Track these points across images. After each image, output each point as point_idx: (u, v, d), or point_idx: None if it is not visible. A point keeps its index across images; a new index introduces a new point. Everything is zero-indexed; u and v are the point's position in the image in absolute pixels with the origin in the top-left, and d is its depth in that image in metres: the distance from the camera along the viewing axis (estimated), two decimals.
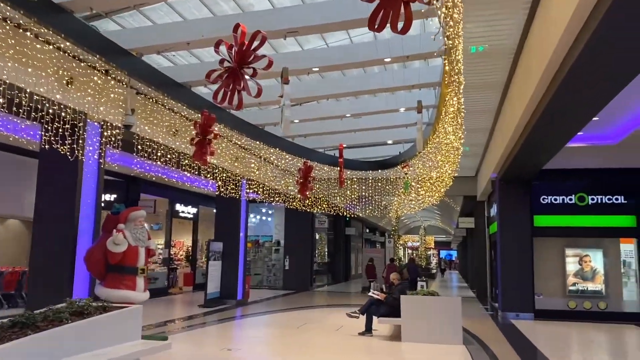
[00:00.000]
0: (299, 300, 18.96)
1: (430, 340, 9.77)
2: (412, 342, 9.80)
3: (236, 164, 15.07)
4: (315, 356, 8.77)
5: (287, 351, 9.15)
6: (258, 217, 26.57)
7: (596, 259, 14.40)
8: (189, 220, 21.83)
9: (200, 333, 10.93)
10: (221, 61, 6.23)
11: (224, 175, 14.33)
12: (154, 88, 10.34)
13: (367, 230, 43.44)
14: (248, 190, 16.87)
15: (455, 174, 14.80)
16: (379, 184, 19.52)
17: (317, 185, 18.88)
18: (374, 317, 10.60)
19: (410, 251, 67.13)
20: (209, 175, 13.59)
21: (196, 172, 12.71)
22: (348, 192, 19.65)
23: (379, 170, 18.99)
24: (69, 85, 8.39)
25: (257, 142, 14.76)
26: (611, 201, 14.40)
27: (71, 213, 8.81)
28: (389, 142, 18.37)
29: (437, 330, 9.86)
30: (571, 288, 14.35)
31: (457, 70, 8.38)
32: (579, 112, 8.77)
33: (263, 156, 15.86)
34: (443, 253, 75.48)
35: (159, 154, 10.86)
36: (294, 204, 17.75)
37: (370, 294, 10.91)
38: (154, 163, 11.49)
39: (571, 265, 14.47)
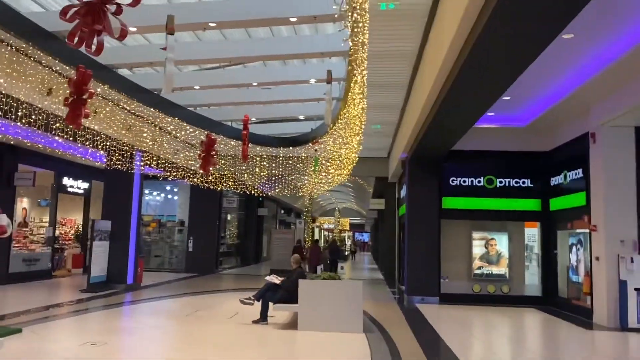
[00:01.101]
0: (200, 284, 17.67)
1: (328, 328, 8.95)
2: (308, 331, 8.94)
3: (127, 132, 13.45)
4: (194, 350, 7.67)
5: (163, 345, 7.97)
6: (162, 195, 24.80)
7: (501, 243, 14.30)
8: (80, 196, 19.74)
9: (67, 323, 9.47)
10: None
11: (109, 144, 12.70)
12: (13, 34, 8.60)
13: (282, 212, 42.56)
14: (144, 164, 15.26)
15: (360, 148, 14.08)
16: (290, 162, 18.53)
17: (223, 161, 17.57)
18: (270, 304, 9.65)
19: (326, 233, 67.30)
20: (88, 143, 11.93)
21: (70, 138, 11.03)
22: (257, 169, 18.50)
23: (290, 148, 17.98)
24: None
25: (152, 110, 13.23)
26: (518, 184, 14.31)
27: None
28: (301, 117, 17.37)
29: (336, 318, 9.06)
30: (476, 271, 14.17)
31: (361, 34, 7.50)
32: (484, 90, 8.21)
33: (159, 125, 14.31)
34: (358, 235, 76.45)
35: (19, 113, 9.14)
36: (195, 180, 16.34)
37: (266, 278, 9.91)
38: (17, 124, 9.75)
39: (477, 249, 14.28)
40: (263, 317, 9.65)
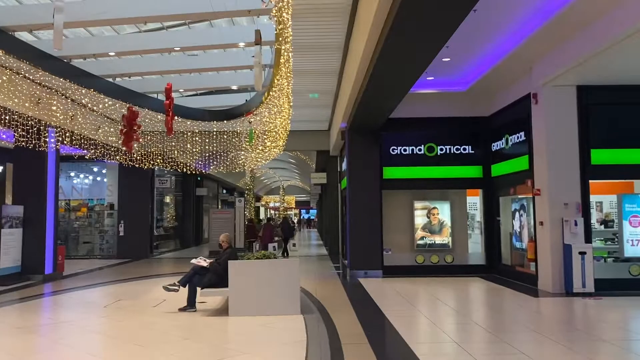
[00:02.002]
0: (130, 270, 16.45)
1: (262, 311, 8.17)
2: (240, 317, 8.12)
3: (35, 106, 12.00)
4: (110, 348, 6.69)
5: (72, 345, 6.93)
6: (90, 177, 23.06)
7: (443, 212, 13.91)
8: None
9: None
10: None
11: (16, 120, 11.25)
12: None
13: (224, 191, 41.26)
14: (59, 142, 13.77)
15: (291, 112, 13.22)
16: (225, 137, 17.43)
17: (149, 137, 16.28)
18: (198, 289, 8.74)
19: (272, 212, 66.38)
20: None
21: None
22: (188, 145, 17.29)
23: (225, 121, 16.86)
24: None
25: (62, 80, 11.83)
26: (459, 151, 13.89)
27: None
28: (234, 87, 16.23)
29: (270, 300, 8.27)
30: (419, 242, 13.74)
31: None
32: (422, 42, 7.47)
33: (71, 97, 12.88)
34: (304, 213, 75.95)
35: None
36: (118, 158, 15.00)
37: (192, 261, 8.97)
38: None
39: (420, 219, 13.83)
40: (190, 304, 8.74)
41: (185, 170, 17.86)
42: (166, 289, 8.73)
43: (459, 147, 13.88)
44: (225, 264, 8.46)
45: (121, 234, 20.64)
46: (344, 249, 17.67)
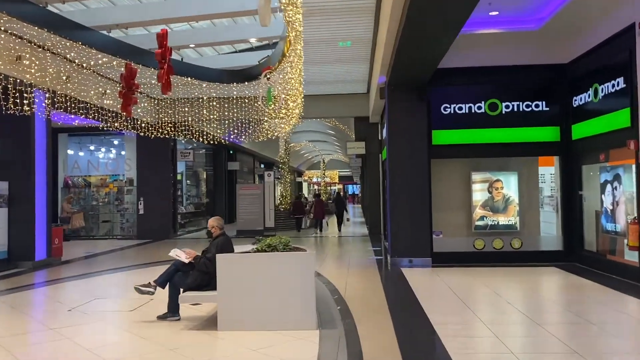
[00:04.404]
0: (143, 254, 14.55)
1: (262, 326, 5.86)
2: (233, 332, 5.84)
3: (13, 65, 10.01)
4: None
5: None
6: (110, 151, 21.36)
7: (509, 185, 11.15)
8: None
9: None
10: None
11: None
12: None
13: (262, 166, 39.22)
14: (49, 109, 11.79)
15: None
16: (247, 101, 15.12)
17: (156, 101, 14.16)
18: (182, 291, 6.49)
19: (315, 187, 64.26)
20: None
21: None
22: (204, 111, 15.08)
23: (245, 83, 14.52)
24: None
25: (47, 33, 9.81)
26: (530, 109, 11.02)
27: None
28: (252, 40, 13.81)
29: (273, 310, 5.93)
30: (478, 223, 11.07)
31: None
32: None
33: (53, 52, 10.83)
34: (351, 188, 73.39)
35: None
36: (116, 125, 12.91)
37: (171, 253, 6.69)
38: None
39: (479, 194, 11.13)
40: (172, 311, 6.52)
41: (201, 139, 15.70)
42: (138, 290, 6.52)
43: (530, 103, 11.01)
44: (214, 259, 6.15)
45: (141, 212, 18.85)
46: (385, 230, 15.17)
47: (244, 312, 5.94)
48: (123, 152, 19.97)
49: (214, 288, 6.14)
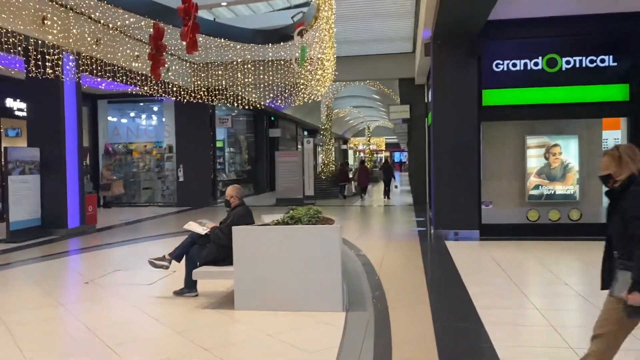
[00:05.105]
0: (179, 221, 14.18)
1: (282, 306, 5.26)
2: (250, 311, 5.27)
3: (41, 27, 9.63)
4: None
5: None
6: (151, 117, 21.15)
7: (568, 150, 10.00)
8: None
9: None
10: None
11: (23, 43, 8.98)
12: None
13: (306, 133, 38.53)
14: (79, 72, 11.44)
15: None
16: (282, 64, 14.36)
17: (188, 64, 13.59)
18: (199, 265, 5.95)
19: (361, 155, 63.25)
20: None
21: None
22: (239, 74, 14.43)
23: (281, 43, 13.73)
24: None
25: None
26: (594, 64, 9.75)
27: None
28: None
29: (295, 289, 5.30)
30: (533, 192, 10.03)
31: None
32: None
33: (82, 12, 10.37)
34: (398, 155, 71.92)
35: None
36: (145, 89, 12.44)
37: (186, 226, 6.13)
38: None
39: (534, 160, 10.04)
40: (189, 286, 6.01)
41: (235, 104, 15.10)
42: (152, 264, 6.02)
43: (594, 58, 9.74)
44: (230, 231, 5.55)
45: (180, 179, 18.62)
46: (430, 200, 14.28)
47: (262, 290, 5.34)
48: (163, 119, 19.70)
49: (231, 263, 5.55)
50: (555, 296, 6.09)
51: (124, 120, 20.26)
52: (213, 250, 5.76)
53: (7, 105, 14.97)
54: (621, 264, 2.94)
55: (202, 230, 5.89)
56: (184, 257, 6.04)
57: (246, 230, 5.47)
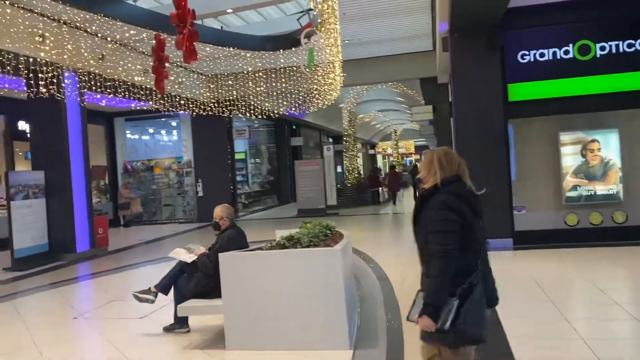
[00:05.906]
0: (197, 239, 13.69)
1: (277, 344, 4.52)
2: (244, 352, 4.56)
3: (40, 45, 9.24)
4: None
5: None
6: (173, 133, 20.79)
7: (608, 146, 8.99)
8: None
9: None
10: None
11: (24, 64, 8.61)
12: None
13: (330, 140, 37.80)
14: (83, 89, 11.04)
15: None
16: (294, 69, 13.71)
17: (196, 75, 13.07)
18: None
19: (390, 159, 62.15)
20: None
21: None
22: (250, 83, 13.85)
23: (293, 49, 13.10)
24: None
25: (65, 6, 8.96)
26: (633, 49, 8.76)
27: None
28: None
29: (292, 324, 4.56)
30: (570, 194, 9.04)
31: None
32: None
33: (76, 26, 9.96)
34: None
35: None
36: (152, 103, 11.96)
37: (171, 254, 5.45)
38: None
39: (569, 159, 9.06)
40: (179, 322, 5.33)
41: (249, 114, 14.52)
42: (136, 297, 5.37)
43: (633, 41, 8.75)
44: (216, 258, 4.85)
45: (200, 194, 18.14)
46: None
47: (255, 326, 4.62)
48: (181, 134, 19.30)
49: (220, 295, 4.86)
50: (603, 320, 5.18)
51: (144, 137, 19.98)
52: (202, 281, 5.08)
53: (20, 128, 14.76)
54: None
55: (189, 258, 5.22)
56: (172, 288, 5.37)
57: (233, 257, 4.76)
